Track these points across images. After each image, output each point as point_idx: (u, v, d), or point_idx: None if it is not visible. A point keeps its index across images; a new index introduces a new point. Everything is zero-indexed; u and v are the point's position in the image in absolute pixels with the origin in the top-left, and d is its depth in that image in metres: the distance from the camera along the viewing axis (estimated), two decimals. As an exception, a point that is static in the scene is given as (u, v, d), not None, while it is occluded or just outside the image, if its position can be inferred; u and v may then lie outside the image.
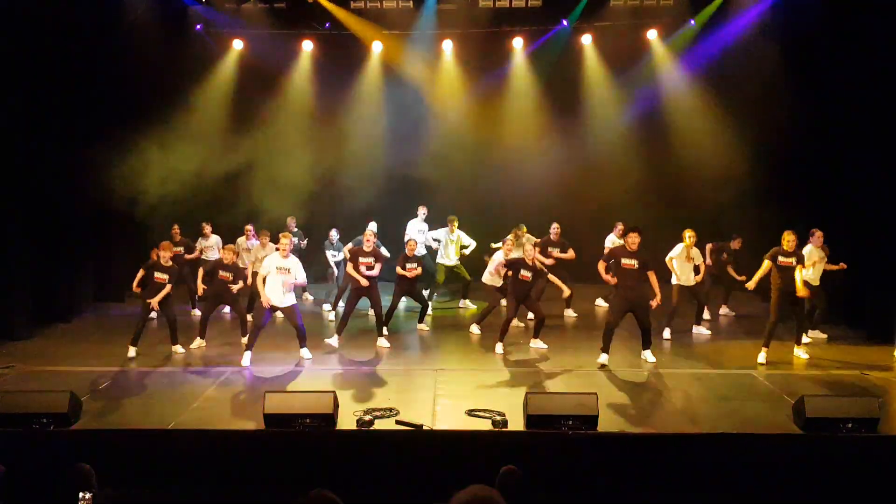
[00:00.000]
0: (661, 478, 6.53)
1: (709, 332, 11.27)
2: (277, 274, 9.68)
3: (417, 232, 13.21)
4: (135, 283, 10.08)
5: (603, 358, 9.41)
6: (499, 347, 10.20)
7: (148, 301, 9.91)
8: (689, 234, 10.93)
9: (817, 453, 6.70)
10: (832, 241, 10.66)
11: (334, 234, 12.89)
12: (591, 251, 12.41)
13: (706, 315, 11.80)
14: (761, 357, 9.57)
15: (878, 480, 6.44)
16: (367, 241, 10.58)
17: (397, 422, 7.13)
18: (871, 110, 10.69)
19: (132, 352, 9.85)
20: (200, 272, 10.83)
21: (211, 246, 13.04)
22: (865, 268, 10.88)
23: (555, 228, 12.44)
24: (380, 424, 7.11)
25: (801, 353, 9.84)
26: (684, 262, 10.93)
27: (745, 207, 13.33)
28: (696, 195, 13.90)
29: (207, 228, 13.07)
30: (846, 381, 8.85)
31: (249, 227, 12.78)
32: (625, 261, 9.37)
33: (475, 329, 11.28)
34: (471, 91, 15.03)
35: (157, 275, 9.98)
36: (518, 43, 14.92)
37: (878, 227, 10.69)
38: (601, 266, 9.58)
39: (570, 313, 12.50)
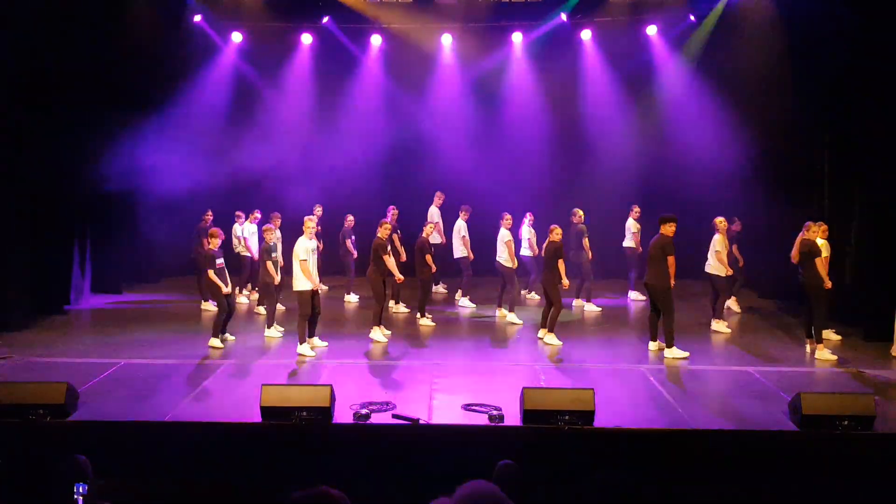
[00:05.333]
0: (657, 474, 6.53)
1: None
2: (313, 255, 9.80)
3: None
4: (219, 281, 9.94)
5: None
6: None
7: (226, 292, 9.98)
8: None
9: (813, 450, 6.71)
10: (830, 238, 10.65)
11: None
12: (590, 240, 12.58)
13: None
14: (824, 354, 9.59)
15: (873, 478, 6.46)
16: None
17: (394, 416, 7.12)
18: (873, 105, 10.67)
19: (217, 342, 9.88)
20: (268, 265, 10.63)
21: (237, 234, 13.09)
22: (863, 266, 10.88)
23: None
24: (376, 418, 7.12)
25: (827, 354, 9.56)
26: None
27: (742, 203, 13.35)
28: (695, 186, 13.96)
29: (243, 216, 13.08)
30: (843, 379, 8.86)
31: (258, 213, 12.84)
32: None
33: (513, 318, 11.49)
34: (470, 85, 15.02)
35: (218, 262, 10.05)
36: (517, 37, 14.92)
37: (876, 224, 10.68)
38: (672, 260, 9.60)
39: (591, 307, 12.52)
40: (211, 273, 9.92)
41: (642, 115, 14.80)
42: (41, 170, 11.27)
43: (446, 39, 14.91)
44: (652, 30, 14.52)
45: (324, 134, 14.77)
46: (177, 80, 14.07)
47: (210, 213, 12.75)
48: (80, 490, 4.13)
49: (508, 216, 11.71)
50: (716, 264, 10.98)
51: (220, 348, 9.86)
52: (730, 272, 11.12)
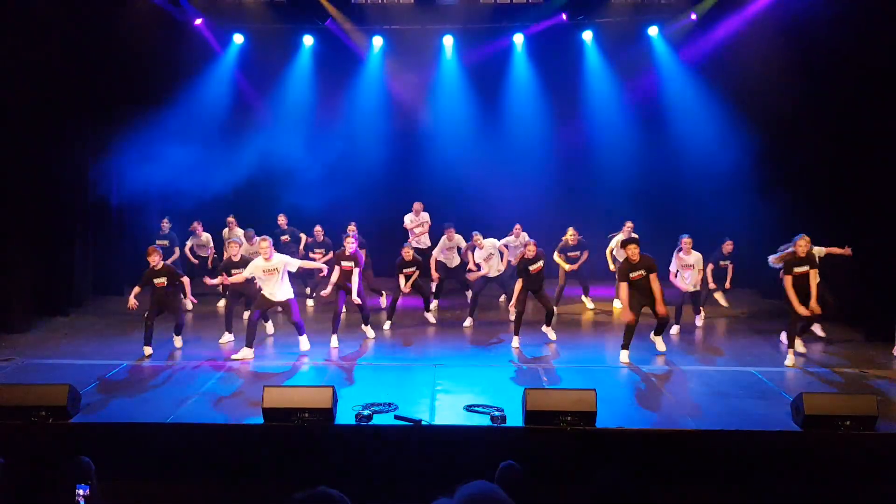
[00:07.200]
0: (658, 474, 6.54)
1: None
2: (265, 276, 9.73)
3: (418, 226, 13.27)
4: (132, 296, 9.73)
5: (624, 355, 9.52)
6: (515, 341, 10.28)
7: (152, 307, 9.75)
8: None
9: (815, 451, 6.71)
10: (830, 239, 10.65)
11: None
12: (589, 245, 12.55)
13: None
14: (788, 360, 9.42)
15: (875, 478, 6.46)
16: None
17: (396, 416, 7.13)
18: (873, 106, 10.67)
19: (148, 350, 9.75)
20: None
21: (203, 244, 12.98)
22: (865, 267, 10.87)
23: (571, 234, 12.18)
24: (378, 419, 7.13)
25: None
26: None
27: (744, 204, 13.36)
28: (696, 190, 13.95)
29: (200, 227, 13.00)
30: (845, 380, 8.86)
31: (231, 218, 12.82)
32: (632, 273, 9.45)
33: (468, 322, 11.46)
34: (471, 86, 15.02)
35: (157, 280, 9.78)
36: (518, 39, 14.91)
37: (878, 225, 10.68)
38: (624, 286, 9.44)
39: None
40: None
41: (643, 118, 14.78)
42: (43, 172, 11.28)
43: (448, 41, 14.92)
44: (653, 30, 14.51)
45: (324, 136, 14.75)
46: (179, 84, 14.07)
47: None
48: (83, 492, 4.15)
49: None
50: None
51: (180, 348, 10.03)
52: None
